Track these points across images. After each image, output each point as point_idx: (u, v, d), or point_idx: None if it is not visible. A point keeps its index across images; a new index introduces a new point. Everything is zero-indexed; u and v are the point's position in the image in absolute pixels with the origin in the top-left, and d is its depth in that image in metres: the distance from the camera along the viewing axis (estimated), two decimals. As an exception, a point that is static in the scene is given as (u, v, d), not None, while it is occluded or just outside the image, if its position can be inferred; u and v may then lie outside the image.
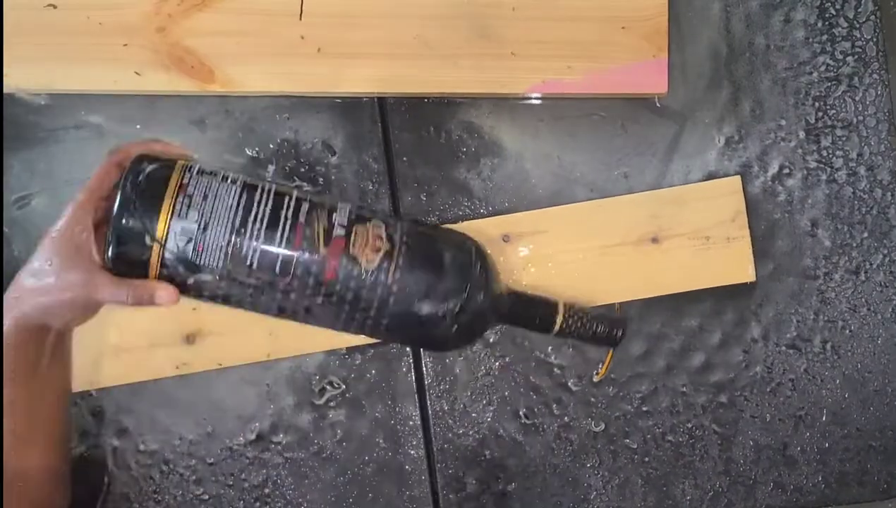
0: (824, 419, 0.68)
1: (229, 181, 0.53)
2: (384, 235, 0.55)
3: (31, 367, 0.55)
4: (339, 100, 0.68)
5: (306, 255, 0.53)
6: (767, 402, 0.68)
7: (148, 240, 0.51)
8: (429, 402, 0.68)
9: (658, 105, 0.68)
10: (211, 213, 0.52)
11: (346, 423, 0.67)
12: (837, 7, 0.69)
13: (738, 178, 0.67)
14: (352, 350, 0.67)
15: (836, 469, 0.68)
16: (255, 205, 0.53)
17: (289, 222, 0.53)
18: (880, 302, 0.68)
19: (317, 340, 0.66)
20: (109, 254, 0.52)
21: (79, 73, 0.65)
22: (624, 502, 0.68)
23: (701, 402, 0.68)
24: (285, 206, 0.53)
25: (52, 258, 0.53)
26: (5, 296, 0.54)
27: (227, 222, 0.52)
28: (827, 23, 0.69)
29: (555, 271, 0.66)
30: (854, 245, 0.68)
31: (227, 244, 0.52)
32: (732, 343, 0.68)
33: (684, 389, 0.68)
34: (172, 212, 0.51)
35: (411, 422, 0.67)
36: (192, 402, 0.67)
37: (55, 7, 0.65)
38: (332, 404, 0.67)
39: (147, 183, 0.52)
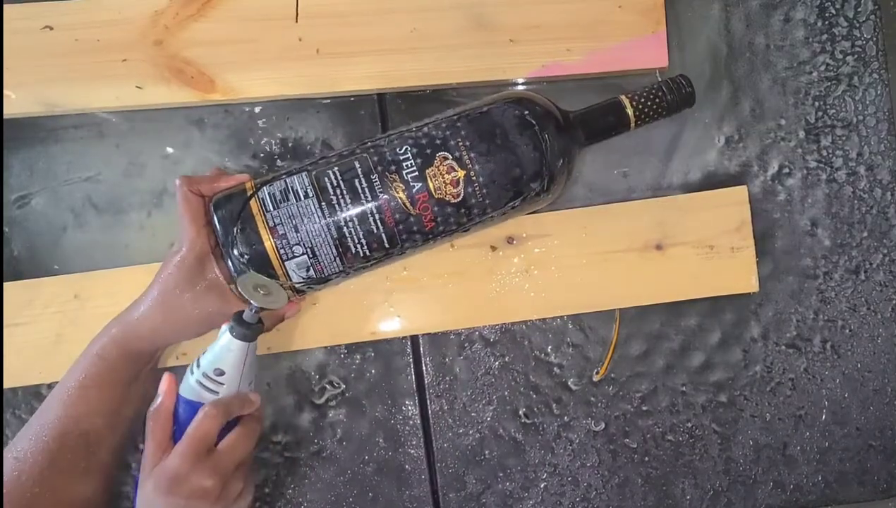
0: (824, 418, 0.68)
1: (303, 197, 0.55)
2: (454, 164, 0.56)
3: (130, 379, 0.59)
4: (338, 99, 0.68)
5: (403, 224, 0.56)
6: (767, 402, 0.68)
7: (279, 284, 0.56)
8: (429, 401, 0.68)
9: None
10: (311, 239, 0.55)
11: (345, 423, 0.67)
12: (837, 6, 0.69)
13: (744, 188, 0.67)
14: (352, 349, 0.67)
15: (835, 469, 0.68)
16: (339, 207, 0.55)
17: (373, 205, 0.55)
18: (880, 302, 0.68)
19: (318, 335, 0.66)
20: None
21: (80, 92, 0.66)
22: (624, 501, 0.68)
23: (701, 402, 0.68)
24: (362, 193, 0.55)
25: (180, 283, 0.57)
26: (129, 315, 0.58)
27: (327, 238, 0.55)
28: (827, 22, 0.69)
29: (558, 275, 0.66)
30: (854, 244, 0.68)
31: (337, 254, 0.56)
32: (732, 342, 0.68)
33: (684, 389, 0.68)
34: (280, 257, 0.55)
35: (411, 422, 0.67)
36: (191, 402, 0.67)
37: (51, 28, 0.65)
38: (331, 403, 0.67)
39: (245, 241, 0.55)
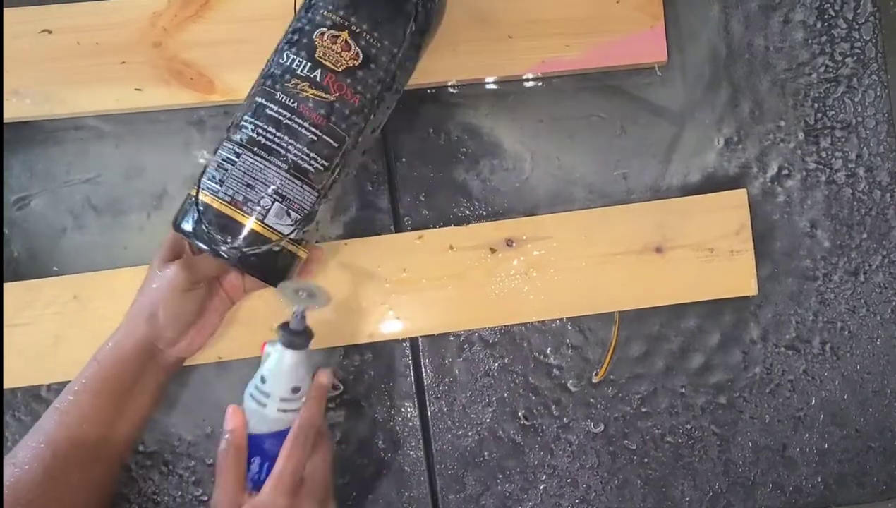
0: (823, 420, 0.68)
1: (236, 159, 0.54)
2: (334, 31, 0.55)
3: (125, 388, 0.57)
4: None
5: (333, 114, 0.55)
6: (766, 403, 0.68)
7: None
8: (428, 403, 0.68)
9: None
10: (269, 186, 0.54)
11: (345, 424, 0.67)
12: (836, 8, 0.69)
13: (743, 192, 0.67)
14: (350, 351, 0.67)
15: (835, 470, 0.68)
16: (271, 141, 0.54)
17: (296, 118, 0.54)
18: (879, 303, 0.68)
19: (317, 337, 0.66)
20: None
21: (79, 96, 0.66)
22: (623, 503, 0.68)
23: (700, 403, 0.68)
24: (280, 116, 0.55)
25: (177, 288, 0.57)
26: (129, 316, 0.58)
27: (282, 174, 0.54)
28: (826, 24, 0.69)
29: (558, 277, 0.66)
30: (853, 246, 0.68)
31: (300, 183, 0.55)
32: (731, 344, 0.68)
33: (683, 390, 0.68)
34: (258, 220, 0.54)
35: (410, 423, 0.67)
36: (191, 403, 0.67)
37: (50, 32, 0.65)
38: (331, 405, 0.67)
39: (221, 231, 0.54)
